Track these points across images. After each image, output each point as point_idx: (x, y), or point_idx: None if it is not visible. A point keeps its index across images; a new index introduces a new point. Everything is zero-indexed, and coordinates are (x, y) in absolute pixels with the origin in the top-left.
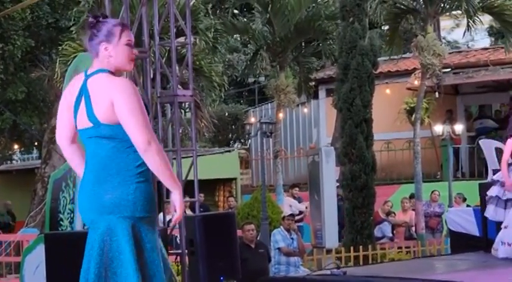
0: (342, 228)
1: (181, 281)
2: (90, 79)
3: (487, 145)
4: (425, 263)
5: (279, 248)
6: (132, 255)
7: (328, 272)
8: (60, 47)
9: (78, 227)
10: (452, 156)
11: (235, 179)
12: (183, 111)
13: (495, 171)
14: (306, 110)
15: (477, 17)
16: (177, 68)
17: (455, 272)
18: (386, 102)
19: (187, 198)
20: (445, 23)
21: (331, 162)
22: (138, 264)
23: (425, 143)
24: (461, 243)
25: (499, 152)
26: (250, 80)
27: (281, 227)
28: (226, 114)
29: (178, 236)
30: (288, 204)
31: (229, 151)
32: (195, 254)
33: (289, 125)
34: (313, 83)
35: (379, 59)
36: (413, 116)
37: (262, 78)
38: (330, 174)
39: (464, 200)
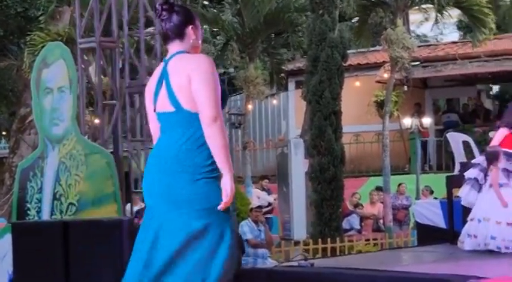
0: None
1: None
2: (170, 62)
3: (454, 138)
4: (392, 255)
5: (246, 240)
6: (210, 244)
7: (296, 263)
8: (28, 37)
9: (45, 216)
10: (420, 149)
11: None
12: None
13: (462, 164)
14: (275, 101)
15: (446, 11)
16: (146, 58)
17: (421, 263)
18: (355, 94)
19: None
20: (415, 16)
21: (299, 154)
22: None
23: (393, 136)
24: (428, 235)
25: (466, 146)
26: (220, 71)
27: (249, 218)
28: None
29: None
30: (257, 196)
31: None
32: None
33: (258, 117)
34: (283, 75)
35: (348, 51)
36: (383, 109)
37: (231, 70)
38: (299, 166)
39: (432, 192)
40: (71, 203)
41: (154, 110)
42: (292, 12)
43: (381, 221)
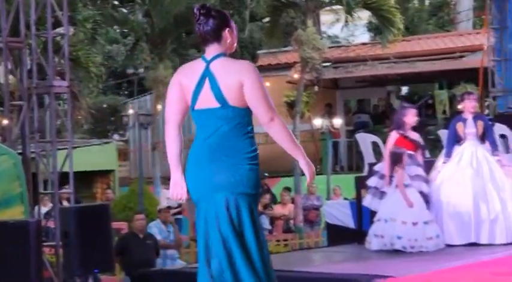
0: None
1: (56, 273)
2: (214, 63)
3: (363, 139)
4: (302, 256)
5: None
6: (252, 225)
7: None
8: None
9: None
10: (332, 149)
11: (113, 171)
12: (61, 101)
13: (370, 165)
14: None
15: (355, 12)
16: (53, 58)
17: (330, 263)
18: None
19: (63, 190)
20: (326, 17)
21: None
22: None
23: (305, 136)
24: (337, 235)
25: (375, 146)
26: (130, 71)
27: (158, 219)
28: (105, 105)
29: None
30: (166, 197)
31: (107, 143)
32: (69, 246)
33: None
34: None
35: (259, 51)
36: (294, 109)
37: (142, 70)
38: None
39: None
40: None
41: (193, 109)
42: None
43: (292, 221)
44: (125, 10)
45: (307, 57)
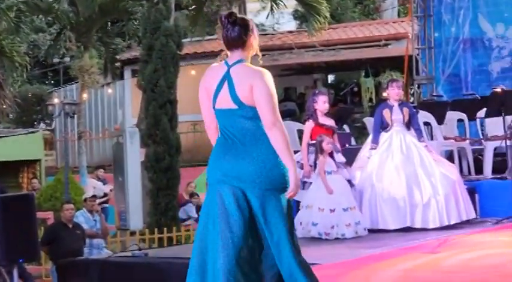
0: None
1: None
2: (234, 68)
3: (289, 127)
4: None
5: None
6: (281, 215)
7: (130, 253)
8: None
9: None
10: None
11: (39, 160)
12: None
13: (295, 152)
14: (110, 90)
15: (281, 0)
16: None
17: None
18: (191, 83)
19: None
20: (252, 5)
21: (135, 143)
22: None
23: None
24: None
25: (302, 134)
26: (56, 60)
27: (84, 208)
28: (31, 94)
29: None
30: (92, 186)
31: (33, 132)
32: None
33: (94, 106)
34: (119, 64)
35: (184, 40)
36: None
37: (67, 59)
38: (134, 155)
39: None
40: None
41: (214, 107)
42: (128, 1)
43: None
44: None
45: None
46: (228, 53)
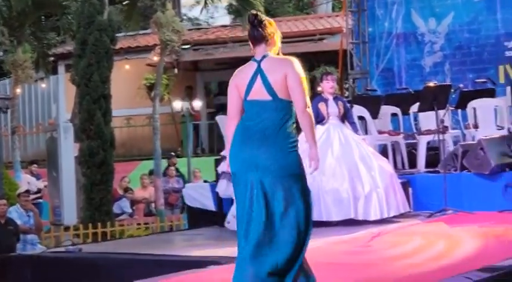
0: None
1: None
2: (263, 62)
3: (223, 121)
4: (163, 239)
5: None
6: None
7: (63, 249)
8: None
9: None
10: (192, 132)
11: None
12: None
13: (220, 150)
14: (44, 85)
15: None
16: None
17: (190, 246)
18: (126, 78)
19: None
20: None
21: (69, 138)
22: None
23: (165, 119)
24: (198, 218)
25: None
26: None
27: (17, 204)
28: None
29: None
30: (26, 182)
31: None
32: None
33: (27, 101)
34: (52, 58)
35: (119, 35)
36: (153, 92)
37: (0, 53)
38: (69, 150)
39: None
40: None
41: (246, 99)
42: None
43: (153, 204)
44: None
45: (167, 40)
46: (254, 50)
